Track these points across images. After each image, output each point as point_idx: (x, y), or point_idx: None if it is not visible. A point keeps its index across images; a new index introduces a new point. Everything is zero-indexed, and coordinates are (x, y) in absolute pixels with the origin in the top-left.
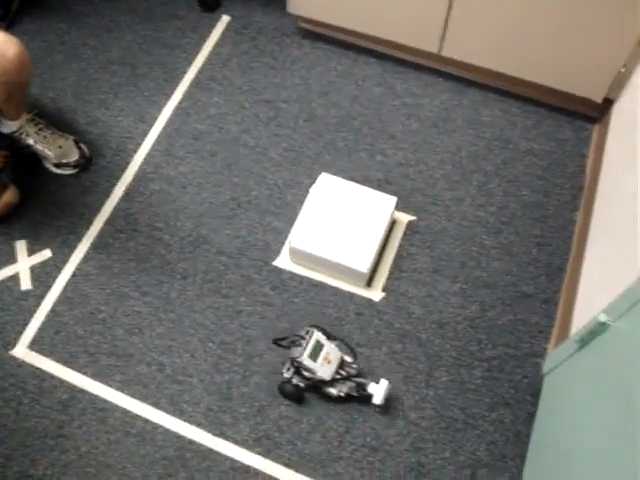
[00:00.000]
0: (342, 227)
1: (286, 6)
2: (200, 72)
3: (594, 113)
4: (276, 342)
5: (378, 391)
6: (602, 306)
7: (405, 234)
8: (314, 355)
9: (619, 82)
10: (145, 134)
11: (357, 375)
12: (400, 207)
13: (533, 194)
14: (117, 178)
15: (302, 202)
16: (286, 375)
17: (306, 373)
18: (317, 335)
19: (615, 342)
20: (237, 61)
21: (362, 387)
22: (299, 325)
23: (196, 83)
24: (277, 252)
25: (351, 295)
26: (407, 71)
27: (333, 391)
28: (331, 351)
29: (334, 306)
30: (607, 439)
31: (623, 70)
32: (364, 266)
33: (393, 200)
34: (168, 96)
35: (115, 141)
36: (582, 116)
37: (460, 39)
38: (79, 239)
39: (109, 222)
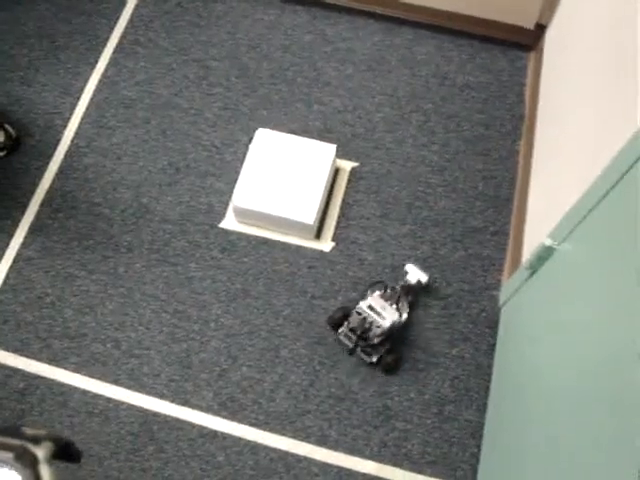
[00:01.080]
0: (284, 181)
1: None
2: (123, 37)
3: (528, 40)
4: (332, 324)
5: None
6: (549, 229)
7: (349, 181)
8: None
9: (549, 6)
10: (73, 107)
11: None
12: (342, 154)
13: (474, 128)
14: (49, 156)
15: (242, 160)
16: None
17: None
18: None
19: (562, 265)
20: (161, 22)
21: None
22: (252, 286)
23: (120, 49)
24: (222, 214)
25: (301, 248)
26: (336, 15)
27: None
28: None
29: (285, 262)
30: (562, 363)
31: None
32: (310, 218)
33: (333, 148)
34: (92, 65)
35: (42, 118)
36: (516, 45)
37: None
38: (16, 224)
39: (45, 203)
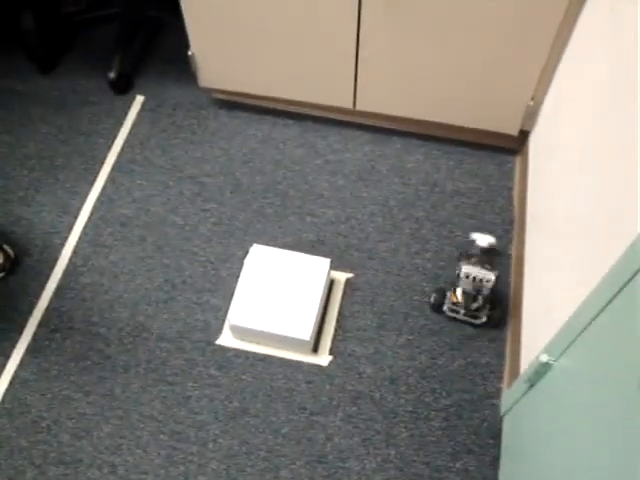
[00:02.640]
0: (280, 297)
1: (197, 80)
2: (120, 156)
3: (513, 145)
4: (435, 307)
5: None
6: (545, 341)
7: (345, 293)
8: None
9: (531, 114)
10: (70, 227)
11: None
12: (336, 266)
13: (466, 234)
14: (46, 276)
15: (238, 275)
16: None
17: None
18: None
19: (561, 379)
20: (156, 140)
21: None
22: (250, 403)
23: (117, 167)
24: (218, 330)
25: (299, 364)
26: (326, 128)
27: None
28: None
29: (283, 377)
30: (569, 473)
31: (532, 103)
32: (306, 334)
33: (327, 262)
34: (90, 184)
35: (40, 238)
36: (503, 149)
37: (372, 92)
38: (13, 345)
39: (43, 323)
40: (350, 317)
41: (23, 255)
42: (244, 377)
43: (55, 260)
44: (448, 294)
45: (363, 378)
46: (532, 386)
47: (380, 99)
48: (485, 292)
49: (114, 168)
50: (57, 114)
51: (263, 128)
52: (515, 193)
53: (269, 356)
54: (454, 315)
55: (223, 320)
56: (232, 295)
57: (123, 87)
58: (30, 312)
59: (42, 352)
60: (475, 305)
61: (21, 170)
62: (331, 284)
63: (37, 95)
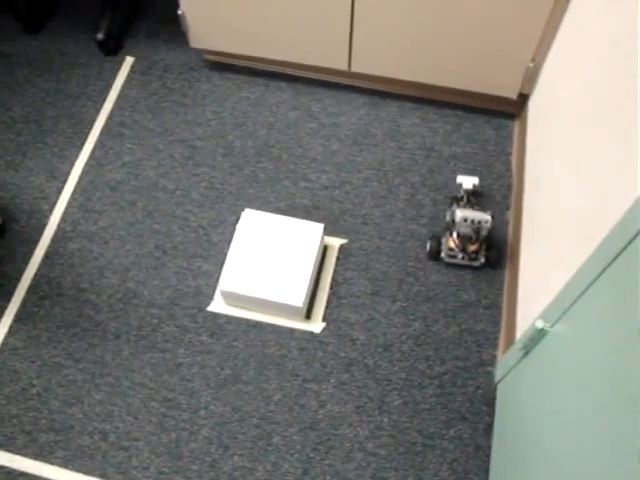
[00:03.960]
0: (272, 263)
1: (187, 41)
2: (109, 119)
3: (512, 109)
4: (432, 256)
5: (466, 182)
6: (542, 306)
7: (339, 259)
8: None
9: (530, 77)
10: (59, 191)
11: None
12: (330, 231)
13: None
14: (35, 242)
15: (229, 241)
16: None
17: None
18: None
19: (556, 345)
20: (146, 103)
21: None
22: (242, 370)
23: (106, 131)
24: (210, 296)
25: (291, 330)
26: (321, 91)
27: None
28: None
29: (275, 344)
30: (560, 442)
31: (532, 65)
32: (299, 300)
33: (320, 227)
34: (79, 148)
35: (28, 203)
36: (501, 113)
37: (367, 53)
38: (1, 312)
39: (31, 290)
40: (344, 283)
41: (10, 221)
42: (236, 344)
43: (43, 226)
44: (444, 240)
45: (356, 345)
46: (527, 353)
47: (376, 60)
48: (484, 233)
49: (103, 132)
50: (44, 76)
51: (256, 91)
52: (513, 158)
53: (261, 323)
54: (453, 261)
55: (214, 286)
56: (224, 261)
57: (112, 48)
58: (18, 279)
59: (31, 319)
60: (472, 247)
61: (7, 134)
62: (325, 250)
63: (23, 56)
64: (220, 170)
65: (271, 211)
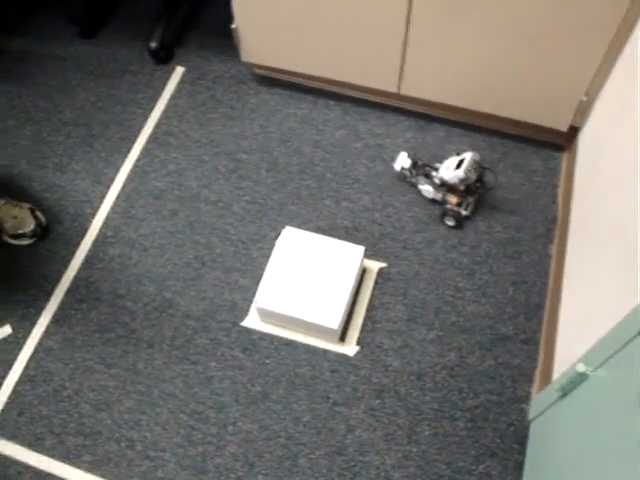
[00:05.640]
0: (310, 282)
1: (239, 54)
2: (157, 127)
3: (561, 141)
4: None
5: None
6: (583, 348)
7: (377, 282)
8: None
9: (583, 110)
10: (103, 196)
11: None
12: (370, 254)
13: (506, 230)
14: (76, 245)
15: (268, 257)
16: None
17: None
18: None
19: (596, 391)
20: (194, 113)
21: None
22: (273, 389)
23: (153, 139)
24: (245, 311)
25: (324, 351)
26: (368, 111)
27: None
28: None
29: (308, 364)
30: None
31: (585, 99)
32: (335, 322)
33: (361, 250)
34: (125, 155)
35: (72, 206)
36: (550, 145)
37: (418, 77)
38: (39, 312)
39: (70, 292)
40: (380, 308)
41: (54, 222)
42: (268, 361)
43: (86, 229)
44: (449, 207)
45: (389, 371)
46: (565, 395)
47: (426, 84)
48: (471, 176)
49: (150, 139)
50: (96, 81)
51: (303, 107)
52: (560, 191)
53: (295, 342)
54: (461, 210)
55: (250, 302)
56: (261, 277)
57: (164, 57)
58: (58, 280)
59: (68, 321)
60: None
61: (57, 136)
62: (363, 273)
63: (77, 61)
64: (263, 185)
65: (311, 230)
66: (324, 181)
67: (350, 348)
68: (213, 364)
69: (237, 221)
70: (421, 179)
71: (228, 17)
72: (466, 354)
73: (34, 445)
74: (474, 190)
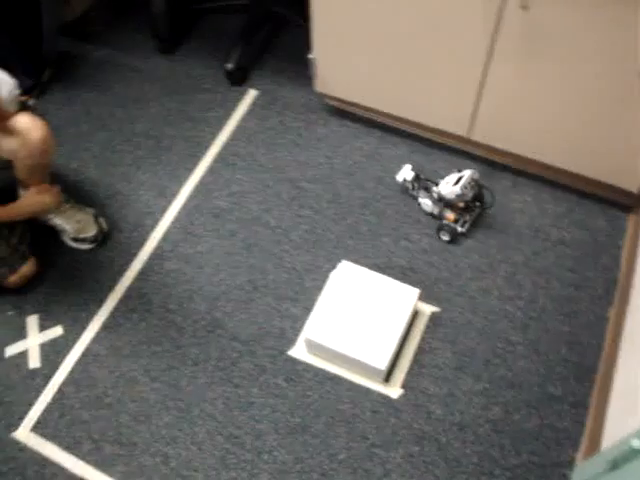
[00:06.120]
0: (361, 319)
1: (312, 84)
2: (224, 147)
3: (629, 202)
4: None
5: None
6: (638, 421)
7: (427, 326)
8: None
9: None
10: (165, 210)
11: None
12: (423, 297)
13: (564, 287)
14: (133, 255)
15: (321, 288)
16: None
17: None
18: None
19: None
20: (262, 137)
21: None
22: (312, 422)
23: (220, 158)
24: (293, 341)
25: (368, 391)
26: (435, 152)
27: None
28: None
29: (349, 402)
30: None
31: None
32: (382, 363)
33: (416, 293)
34: (190, 171)
35: (134, 216)
36: (617, 204)
37: (490, 123)
38: (91, 317)
39: (122, 301)
40: (429, 353)
41: (115, 230)
42: (310, 393)
43: (144, 240)
44: (445, 222)
45: (431, 419)
46: (615, 468)
47: (497, 133)
48: (468, 193)
49: (216, 158)
50: (170, 96)
51: (370, 142)
52: (624, 253)
53: (339, 377)
54: (459, 227)
55: (299, 331)
56: (312, 307)
57: (239, 79)
58: (112, 288)
59: (117, 329)
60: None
61: (127, 146)
62: (414, 315)
63: (154, 75)
64: (323, 215)
65: (367, 266)
66: (384, 218)
67: (394, 390)
68: (255, 390)
69: (294, 249)
70: (421, 192)
71: (305, 46)
72: (512, 410)
73: (72, 448)
74: (472, 208)
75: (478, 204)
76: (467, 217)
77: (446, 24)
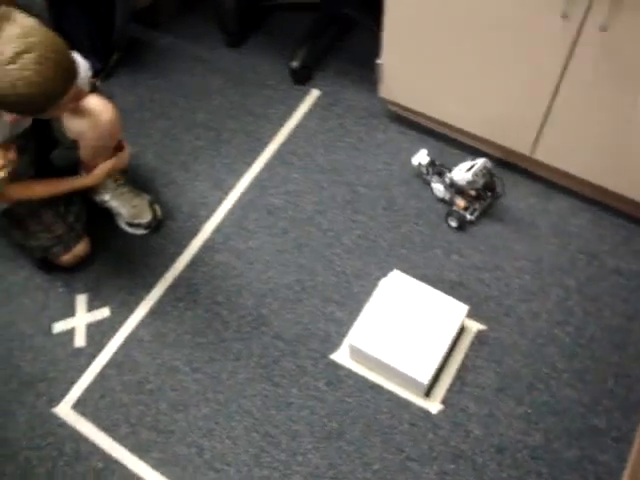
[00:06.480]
0: (407, 330)
1: (377, 89)
2: (283, 145)
3: None
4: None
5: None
6: None
7: (472, 344)
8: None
9: None
10: (220, 202)
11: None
12: (470, 314)
13: (615, 317)
14: (185, 245)
15: (368, 295)
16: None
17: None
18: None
19: None
20: (322, 138)
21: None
22: (349, 429)
23: (278, 155)
24: (336, 345)
25: (407, 403)
26: (495, 168)
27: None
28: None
29: (388, 412)
30: None
31: None
32: (425, 377)
33: (464, 309)
34: (248, 165)
35: (189, 205)
36: None
37: (554, 144)
38: (138, 302)
39: (170, 289)
40: (472, 371)
41: (168, 218)
42: (349, 400)
43: (197, 231)
44: (455, 208)
45: (469, 438)
46: None
47: (561, 154)
48: (479, 180)
49: (275, 155)
50: (233, 89)
51: (430, 151)
52: None
53: (379, 386)
54: (467, 213)
55: (343, 336)
56: (358, 313)
57: (302, 78)
58: (162, 275)
59: (163, 317)
60: (474, 192)
61: (187, 135)
62: (460, 331)
63: (218, 66)
64: (377, 222)
65: (418, 277)
66: (438, 230)
67: (434, 405)
68: (294, 390)
69: (345, 253)
70: (435, 177)
71: (372, 50)
72: (552, 438)
73: (109, 430)
74: (484, 197)
75: (489, 194)
76: (477, 205)
77: (523, 41)
